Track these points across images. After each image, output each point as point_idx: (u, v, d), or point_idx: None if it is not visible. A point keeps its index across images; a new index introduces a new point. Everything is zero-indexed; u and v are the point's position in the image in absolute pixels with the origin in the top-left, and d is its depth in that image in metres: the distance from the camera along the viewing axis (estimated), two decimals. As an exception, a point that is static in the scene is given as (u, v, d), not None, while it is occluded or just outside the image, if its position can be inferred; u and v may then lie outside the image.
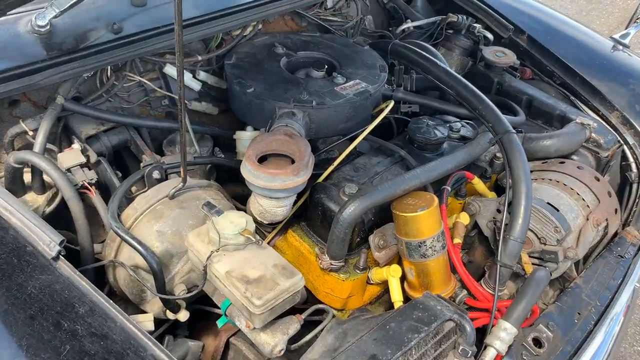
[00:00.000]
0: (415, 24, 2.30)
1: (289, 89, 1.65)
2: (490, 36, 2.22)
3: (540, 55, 2.16)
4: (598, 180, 1.72)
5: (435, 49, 2.26)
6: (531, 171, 1.80)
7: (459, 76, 1.73)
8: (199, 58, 1.72)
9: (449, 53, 2.24)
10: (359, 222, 1.47)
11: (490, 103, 1.64)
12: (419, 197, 1.45)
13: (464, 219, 1.67)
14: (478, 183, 1.75)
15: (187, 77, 1.73)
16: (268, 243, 1.61)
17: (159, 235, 1.29)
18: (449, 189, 1.62)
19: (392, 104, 1.74)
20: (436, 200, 1.43)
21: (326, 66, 1.79)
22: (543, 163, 1.82)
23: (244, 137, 1.69)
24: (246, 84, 1.65)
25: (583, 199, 1.65)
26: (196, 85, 1.75)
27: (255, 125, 1.70)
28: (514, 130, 1.57)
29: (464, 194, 1.75)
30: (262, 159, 1.44)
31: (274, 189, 1.36)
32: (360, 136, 1.64)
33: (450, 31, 2.26)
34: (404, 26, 2.28)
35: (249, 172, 1.36)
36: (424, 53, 1.84)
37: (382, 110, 1.75)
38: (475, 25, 2.22)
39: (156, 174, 1.39)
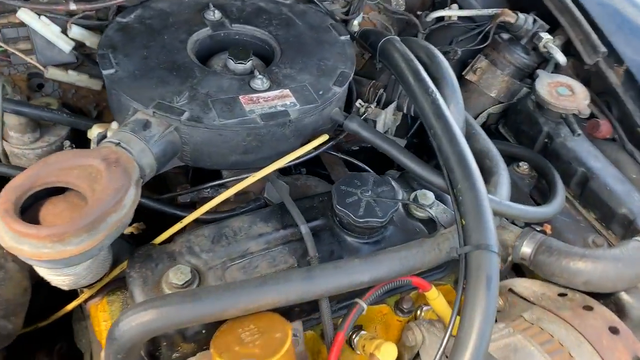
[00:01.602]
0: (459, 12, 1.57)
1: (168, 83, 1.09)
2: (561, 58, 1.44)
3: (636, 105, 1.36)
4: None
5: (476, 57, 1.55)
6: (532, 303, 1.11)
7: (449, 117, 1.05)
8: (72, 7, 1.18)
9: (492, 69, 1.50)
10: (174, 334, 0.92)
11: (481, 186, 0.96)
12: (265, 329, 0.86)
13: (387, 354, 1.03)
14: (436, 298, 1.09)
15: (54, 31, 1.21)
16: (81, 305, 1.11)
17: None
18: (364, 305, 0.99)
19: (323, 139, 1.12)
20: (288, 341, 0.83)
21: (252, 57, 1.17)
22: (559, 295, 1.11)
23: (95, 131, 1.15)
24: (110, 61, 1.11)
25: (595, 395, 0.95)
26: (65, 45, 1.23)
27: (118, 121, 1.16)
28: (495, 249, 0.89)
29: (408, 308, 1.11)
30: (56, 192, 0.92)
31: (21, 255, 0.83)
32: (238, 185, 1.06)
33: (505, 36, 1.51)
34: (442, 13, 1.56)
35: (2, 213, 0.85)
36: (413, 63, 1.16)
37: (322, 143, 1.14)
38: (542, 35, 1.44)
39: None
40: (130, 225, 1.33)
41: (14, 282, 1.03)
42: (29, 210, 0.91)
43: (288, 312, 0.95)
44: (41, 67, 1.23)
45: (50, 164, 0.92)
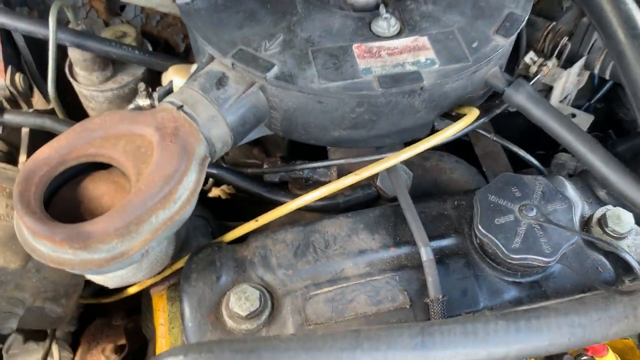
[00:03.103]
0: None
1: (259, 21, 0.80)
2: None
3: None
4: None
5: None
6: None
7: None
8: None
9: None
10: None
11: None
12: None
13: None
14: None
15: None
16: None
17: None
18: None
19: (473, 115, 0.78)
20: None
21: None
22: None
23: (171, 76, 0.92)
24: (189, -15, 0.84)
25: None
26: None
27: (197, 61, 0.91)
28: None
29: (566, 372, 0.78)
30: (101, 166, 0.72)
31: (39, 257, 0.64)
32: (360, 171, 0.76)
33: None
34: None
35: (15, 199, 0.66)
36: (625, 1, 0.76)
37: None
38: None
39: None
40: (214, 185, 1.13)
41: (60, 263, 0.86)
42: (62, 189, 0.71)
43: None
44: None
45: (90, 129, 0.70)
